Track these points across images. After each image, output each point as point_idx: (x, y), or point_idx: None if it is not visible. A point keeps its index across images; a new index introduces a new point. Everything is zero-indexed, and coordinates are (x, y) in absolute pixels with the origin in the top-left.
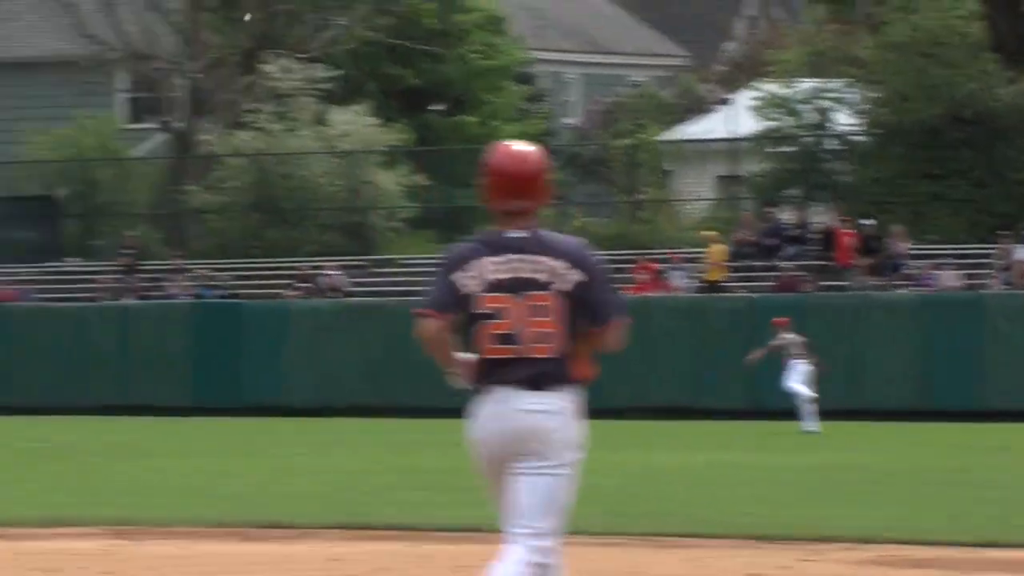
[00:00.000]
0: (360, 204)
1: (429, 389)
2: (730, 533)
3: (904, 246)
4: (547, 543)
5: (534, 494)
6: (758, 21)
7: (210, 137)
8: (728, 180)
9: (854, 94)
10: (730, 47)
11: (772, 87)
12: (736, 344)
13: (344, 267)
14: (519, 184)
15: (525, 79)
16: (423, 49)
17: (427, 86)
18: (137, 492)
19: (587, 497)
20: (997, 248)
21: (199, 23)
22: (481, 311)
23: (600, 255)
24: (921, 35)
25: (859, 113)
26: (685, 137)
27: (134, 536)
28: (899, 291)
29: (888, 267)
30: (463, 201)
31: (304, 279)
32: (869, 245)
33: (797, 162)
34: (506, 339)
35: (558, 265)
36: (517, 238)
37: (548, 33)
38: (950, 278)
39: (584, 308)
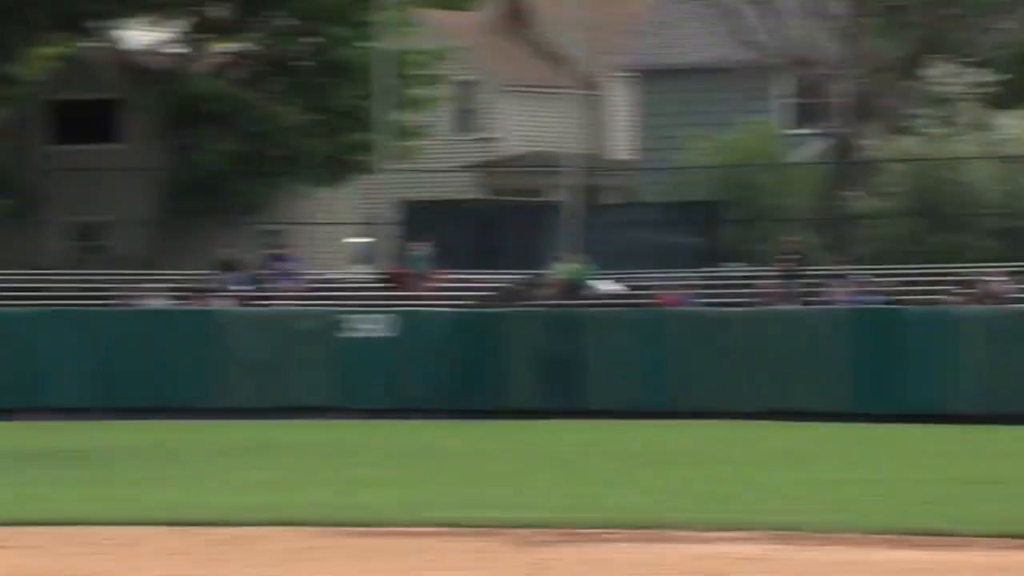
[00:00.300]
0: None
1: None
2: None
3: None
4: None
5: None
6: None
7: (873, 142)
8: None
9: None
10: None
11: None
12: None
13: (1008, 273)
14: None
15: None
16: None
17: None
18: (798, 497)
19: None
20: None
21: (864, 28)
22: None
23: None
24: None
25: None
26: None
27: (795, 541)
28: None
29: None
30: None
31: (966, 285)
32: None
33: None
34: None
35: None
36: None
37: None
38: None
39: None
